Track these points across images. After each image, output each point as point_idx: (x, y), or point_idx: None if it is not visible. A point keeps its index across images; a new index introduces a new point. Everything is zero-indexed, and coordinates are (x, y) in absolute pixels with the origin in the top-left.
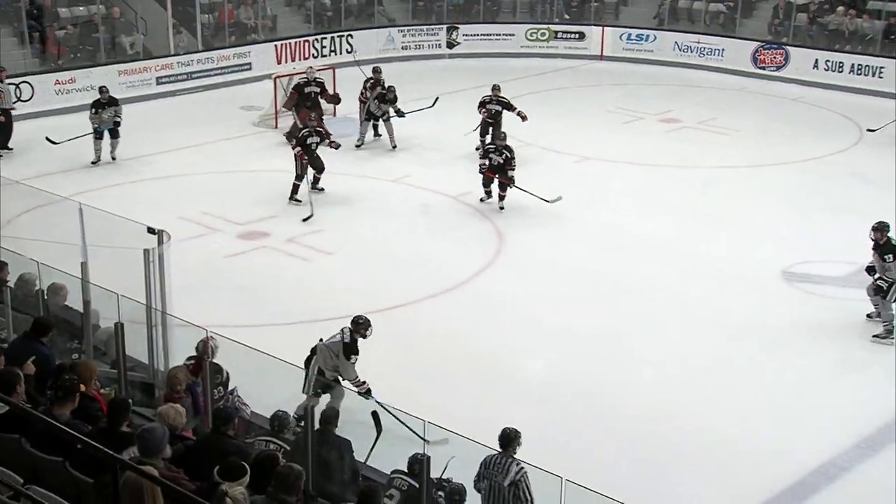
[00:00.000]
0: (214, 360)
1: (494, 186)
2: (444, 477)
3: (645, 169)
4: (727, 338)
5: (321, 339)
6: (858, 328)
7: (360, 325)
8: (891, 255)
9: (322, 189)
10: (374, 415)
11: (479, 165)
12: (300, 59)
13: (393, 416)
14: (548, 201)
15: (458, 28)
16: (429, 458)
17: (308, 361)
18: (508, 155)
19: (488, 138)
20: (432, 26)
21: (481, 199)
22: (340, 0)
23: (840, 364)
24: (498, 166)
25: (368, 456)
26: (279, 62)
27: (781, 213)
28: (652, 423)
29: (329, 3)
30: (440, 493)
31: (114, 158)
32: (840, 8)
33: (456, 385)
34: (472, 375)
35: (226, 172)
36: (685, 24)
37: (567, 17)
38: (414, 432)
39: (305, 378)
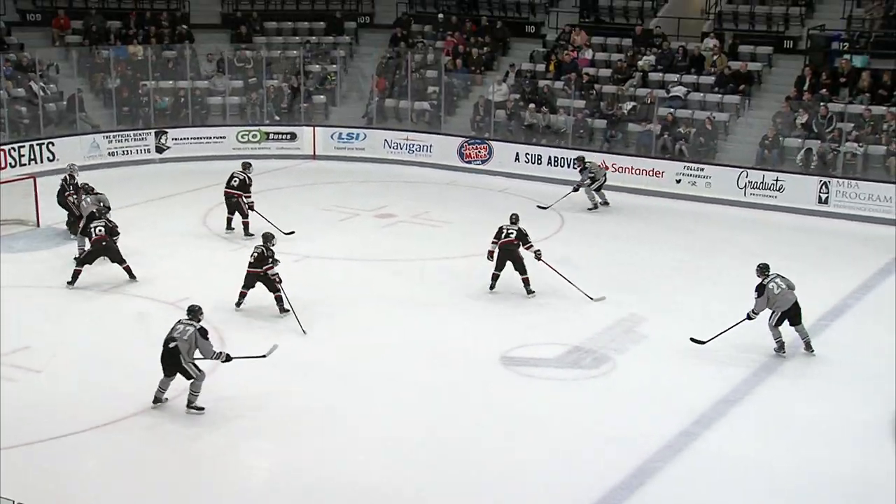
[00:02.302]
0: None
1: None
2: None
3: (365, 263)
4: (450, 414)
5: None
6: (578, 407)
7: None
8: (757, 293)
9: None
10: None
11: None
12: None
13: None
14: (262, 356)
15: (166, 132)
16: None
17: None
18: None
19: None
20: (140, 131)
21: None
22: (38, 107)
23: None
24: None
25: None
26: None
27: (495, 299)
28: None
29: (25, 111)
30: None
31: None
32: (532, 105)
33: None
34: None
35: None
36: (393, 123)
37: (277, 118)
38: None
39: None
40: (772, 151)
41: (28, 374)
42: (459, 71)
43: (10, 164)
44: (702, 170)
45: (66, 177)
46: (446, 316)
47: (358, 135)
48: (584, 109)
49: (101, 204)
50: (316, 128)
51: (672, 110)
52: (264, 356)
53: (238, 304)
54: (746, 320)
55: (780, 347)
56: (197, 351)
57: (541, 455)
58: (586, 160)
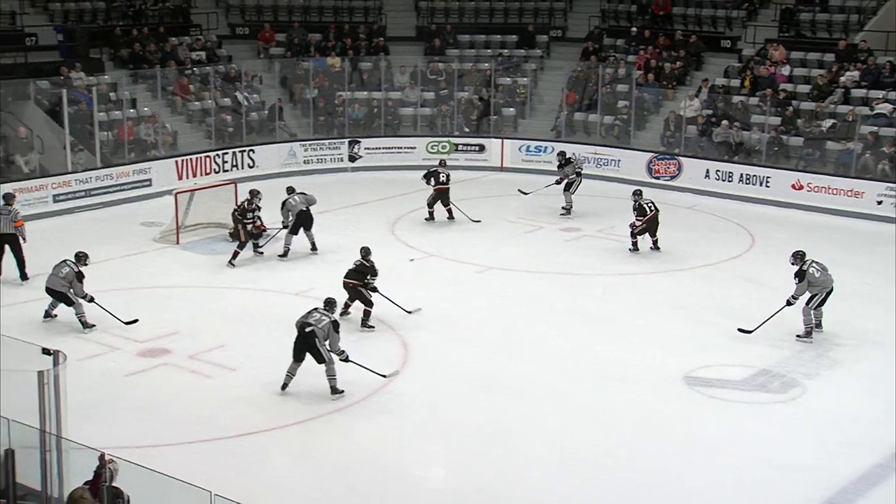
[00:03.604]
0: (114, 485)
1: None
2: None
3: (545, 277)
4: (628, 436)
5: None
6: (758, 432)
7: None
8: (798, 279)
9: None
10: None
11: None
12: (201, 175)
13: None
14: (408, 311)
15: (359, 142)
16: None
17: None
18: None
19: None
20: (334, 140)
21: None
22: (242, 116)
23: (735, 468)
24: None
25: None
26: (180, 178)
27: (677, 317)
28: None
29: (230, 119)
30: None
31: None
32: (724, 121)
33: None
34: (379, 491)
35: (126, 289)
36: (582, 136)
37: (467, 129)
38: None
39: None
40: None
41: (223, 371)
42: (651, 85)
43: (214, 169)
44: None
45: (246, 201)
46: (628, 333)
47: (546, 148)
48: (779, 126)
49: (308, 205)
50: (504, 140)
51: (875, 128)
52: (384, 376)
53: (342, 314)
54: (787, 306)
55: (809, 333)
56: (327, 342)
57: (723, 480)
58: (568, 155)
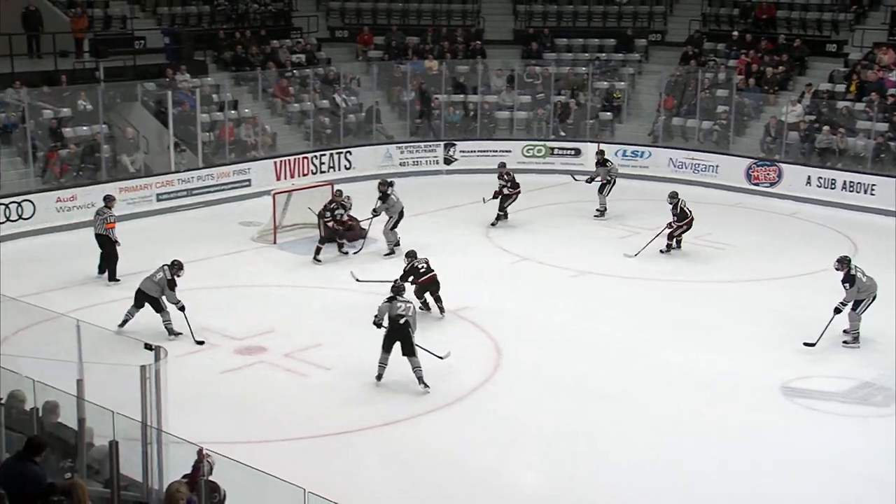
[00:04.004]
0: (210, 479)
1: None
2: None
3: (639, 283)
4: (723, 448)
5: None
6: (860, 447)
7: None
8: (848, 284)
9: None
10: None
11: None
12: (299, 176)
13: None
14: (439, 357)
15: (455, 145)
16: None
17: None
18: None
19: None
20: (430, 143)
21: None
22: (339, 118)
23: (838, 483)
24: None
25: None
26: (278, 178)
27: (777, 327)
28: None
29: (328, 121)
30: None
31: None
32: (827, 127)
33: None
34: (469, 495)
35: (225, 287)
36: (679, 141)
37: (563, 133)
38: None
39: None
40: None
41: (318, 370)
42: (752, 90)
43: (311, 170)
44: None
45: (333, 202)
46: (725, 341)
47: (643, 152)
48: (886, 133)
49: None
50: (600, 144)
51: None
52: (440, 357)
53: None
54: (836, 314)
55: (857, 339)
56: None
57: (824, 496)
58: (606, 156)
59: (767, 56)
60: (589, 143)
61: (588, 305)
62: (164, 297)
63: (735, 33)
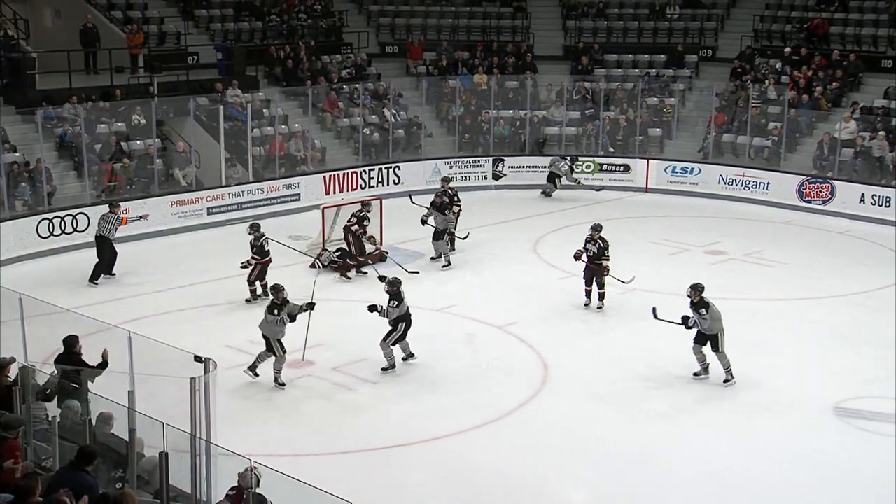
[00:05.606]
0: (258, 491)
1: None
2: None
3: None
4: (773, 466)
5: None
6: None
7: None
8: (704, 310)
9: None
10: None
11: (575, 253)
12: (348, 190)
13: None
14: (623, 282)
15: (503, 160)
16: None
17: None
18: (602, 244)
19: None
20: (478, 158)
21: (585, 305)
22: (388, 133)
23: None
24: (593, 256)
25: None
26: (327, 193)
27: (830, 346)
28: None
29: (377, 136)
30: None
31: None
32: (881, 133)
33: None
34: None
35: None
36: (729, 158)
37: (612, 149)
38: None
39: None
40: None
41: (364, 384)
42: (804, 106)
43: (360, 185)
44: None
45: (361, 211)
46: (779, 360)
47: (693, 169)
48: None
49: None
50: (650, 160)
51: None
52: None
53: None
54: (683, 323)
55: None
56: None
57: None
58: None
59: (821, 72)
60: (639, 159)
61: (637, 322)
62: (286, 317)
63: (787, 49)
